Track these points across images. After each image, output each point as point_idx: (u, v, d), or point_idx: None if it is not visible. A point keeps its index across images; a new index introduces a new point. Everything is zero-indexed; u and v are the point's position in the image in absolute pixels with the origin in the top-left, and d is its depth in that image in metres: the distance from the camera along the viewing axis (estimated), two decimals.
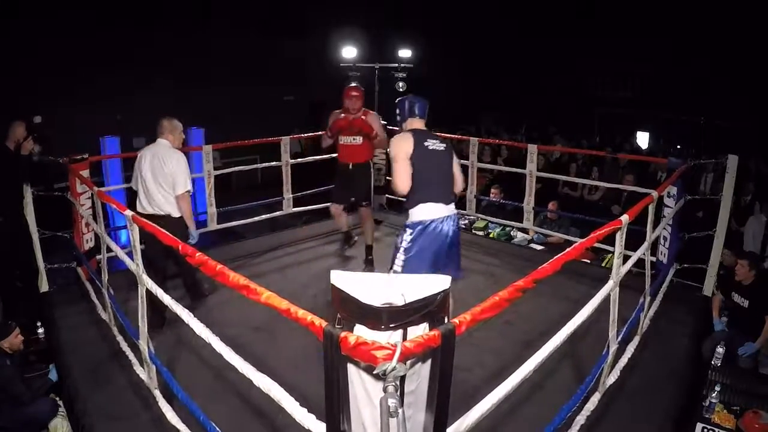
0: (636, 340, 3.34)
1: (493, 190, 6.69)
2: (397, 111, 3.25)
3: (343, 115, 4.60)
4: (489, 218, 6.23)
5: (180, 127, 3.87)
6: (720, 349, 3.50)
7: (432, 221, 3.01)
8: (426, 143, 3.06)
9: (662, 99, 12.55)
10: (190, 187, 3.74)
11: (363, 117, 4.54)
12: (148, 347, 2.77)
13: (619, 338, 2.89)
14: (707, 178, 7.02)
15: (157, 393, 2.78)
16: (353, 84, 4.87)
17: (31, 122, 4.04)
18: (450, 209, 3.10)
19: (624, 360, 3.10)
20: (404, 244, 3.03)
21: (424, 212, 3.03)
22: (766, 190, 6.58)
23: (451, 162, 3.16)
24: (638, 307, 3.39)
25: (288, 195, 5.79)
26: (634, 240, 3.41)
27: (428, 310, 1.41)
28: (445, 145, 3.14)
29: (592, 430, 2.69)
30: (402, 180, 3.03)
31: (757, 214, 5.93)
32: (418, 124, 3.18)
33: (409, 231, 3.05)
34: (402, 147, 3.03)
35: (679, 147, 10.99)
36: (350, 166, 4.71)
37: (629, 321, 3.18)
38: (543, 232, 5.92)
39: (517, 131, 12.05)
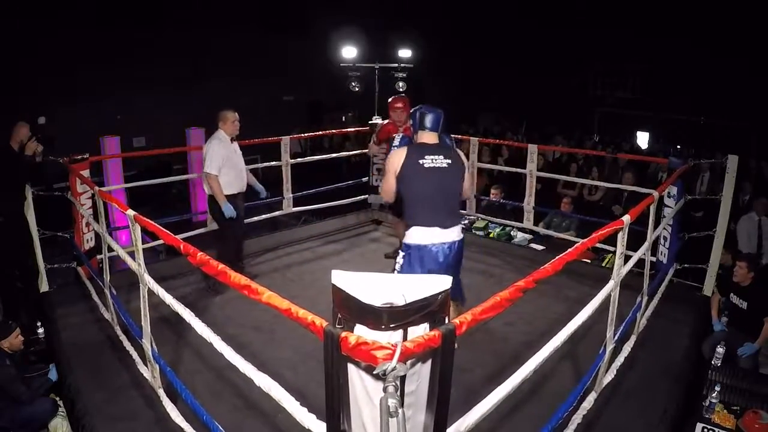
0: (633, 339, 3.34)
1: (493, 191, 6.70)
2: (410, 122, 3.12)
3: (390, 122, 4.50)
4: (489, 218, 6.23)
5: (228, 116, 4.30)
6: (720, 349, 3.51)
7: (426, 246, 2.82)
8: (423, 160, 2.81)
9: (662, 99, 12.55)
10: (211, 170, 4.18)
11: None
12: (152, 346, 2.77)
13: (616, 338, 2.90)
14: (704, 177, 7.03)
15: (161, 392, 2.79)
16: (397, 95, 4.47)
17: (35, 123, 4.04)
18: (450, 234, 2.86)
19: (621, 359, 3.10)
20: (397, 267, 2.94)
21: (417, 237, 2.85)
22: (765, 190, 6.58)
23: (458, 180, 2.91)
24: (635, 306, 3.40)
25: (288, 195, 5.79)
26: (633, 240, 3.41)
27: (429, 310, 1.41)
28: (450, 161, 2.87)
29: (589, 428, 2.70)
30: (386, 191, 2.97)
31: (750, 215, 5.93)
32: (427, 137, 2.93)
33: (402, 254, 2.91)
34: (392, 162, 2.88)
35: (679, 147, 10.99)
36: None
37: (625, 320, 3.18)
38: (549, 233, 5.91)
39: (517, 131, 12.05)
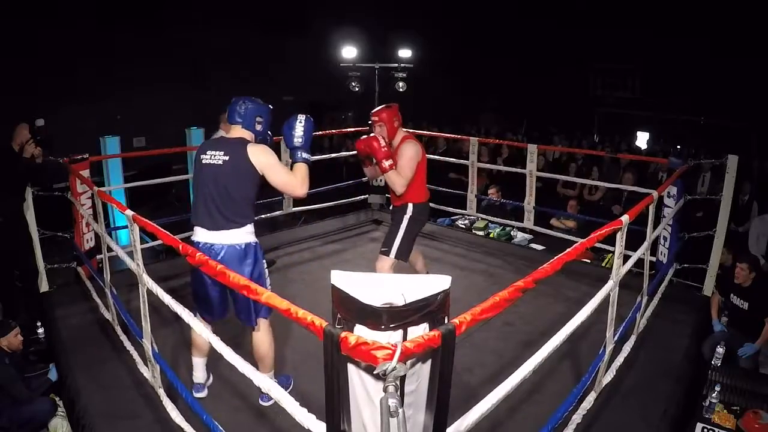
0: (632, 339, 3.34)
1: (490, 190, 6.70)
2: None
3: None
4: (489, 218, 6.23)
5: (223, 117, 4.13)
6: (720, 349, 3.51)
7: (195, 243, 2.64)
8: (204, 156, 2.65)
9: (662, 99, 12.56)
10: None
11: (378, 139, 3.48)
12: (152, 346, 2.77)
13: (616, 338, 2.90)
14: (705, 177, 7.02)
15: (162, 392, 2.78)
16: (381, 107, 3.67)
17: (33, 124, 4.04)
18: (216, 236, 2.60)
19: (620, 359, 3.10)
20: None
21: (194, 234, 2.69)
22: (766, 191, 6.58)
23: (235, 179, 2.60)
24: (635, 306, 3.40)
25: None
26: (634, 240, 3.41)
27: (428, 310, 1.41)
28: (229, 157, 2.60)
29: (589, 428, 2.70)
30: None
31: (763, 216, 5.92)
32: (228, 129, 2.78)
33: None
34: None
35: (679, 147, 10.99)
36: (390, 208, 3.87)
37: (625, 321, 3.18)
38: (556, 235, 5.90)
39: (517, 131, 12.07)
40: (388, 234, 3.67)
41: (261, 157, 2.62)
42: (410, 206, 3.61)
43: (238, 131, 2.72)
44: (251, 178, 2.62)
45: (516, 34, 13.72)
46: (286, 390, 2.53)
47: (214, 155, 2.63)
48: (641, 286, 3.47)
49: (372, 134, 3.54)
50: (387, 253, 3.60)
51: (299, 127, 2.69)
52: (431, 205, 6.60)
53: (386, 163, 3.44)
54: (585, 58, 13.72)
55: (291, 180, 2.64)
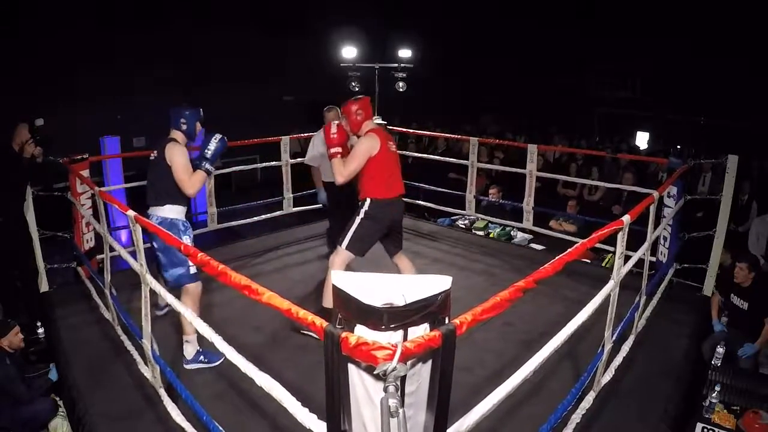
0: (631, 339, 3.35)
1: (491, 190, 6.70)
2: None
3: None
4: (489, 218, 6.23)
5: (327, 115, 4.78)
6: (720, 349, 3.51)
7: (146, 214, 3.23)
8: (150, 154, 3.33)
9: (662, 99, 12.55)
10: (306, 161, 4.87)
11: (332, 126, 3.46)
12: (152, 346, 2.77)
13: (614, 338, 2.90)
14: (705, 177, 7.03)
15: (162, 392, 2.79)
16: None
17: (33, 124, 4.05)
18: (151, 210, 3.27)
19: (619, 359, 3.10)
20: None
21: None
22: (766, 191, 6.59)
23: (157, 172, 3.24)
24: (633, 306, 3.40)
25: (288, 195, 5.79)
26: (633, 240, 3.41)
27: (429, 310, 1.41)
28: (156, 155, 3.26)
29: (589, 428, 2.70)
30: None
31: (763, 216, 5.92)
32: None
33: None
34: None
35: (679, 147, 10.99)
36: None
37: (623, 320, 3.18)
38: (556, 235, 5.91)
39: (516, 131, 12.06)
40: (346, 226, 3.55)
41: (172, 156, 3.18)
42: (367, 201, 3.48)
43: (172, 132, 3.29)
44: (168, 171, 3.18)
45: (516, 34, 13.71)
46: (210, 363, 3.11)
47: (152, 153, 3.29)
48: (641, 286, 3.47)
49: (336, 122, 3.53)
50: (340, 243, 3.48)
51: (213, 143, 3.23)
52: (430, 205, 6.61)
53: (332, 150, 3.44)
54: (585, 58, 13.72)
55: (186, 179, 3.16)
